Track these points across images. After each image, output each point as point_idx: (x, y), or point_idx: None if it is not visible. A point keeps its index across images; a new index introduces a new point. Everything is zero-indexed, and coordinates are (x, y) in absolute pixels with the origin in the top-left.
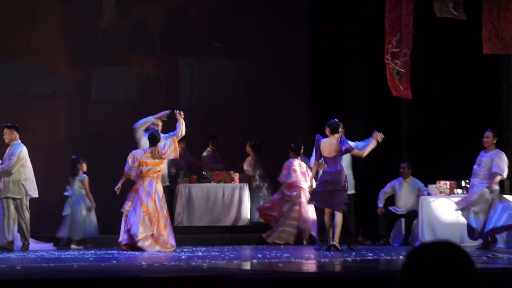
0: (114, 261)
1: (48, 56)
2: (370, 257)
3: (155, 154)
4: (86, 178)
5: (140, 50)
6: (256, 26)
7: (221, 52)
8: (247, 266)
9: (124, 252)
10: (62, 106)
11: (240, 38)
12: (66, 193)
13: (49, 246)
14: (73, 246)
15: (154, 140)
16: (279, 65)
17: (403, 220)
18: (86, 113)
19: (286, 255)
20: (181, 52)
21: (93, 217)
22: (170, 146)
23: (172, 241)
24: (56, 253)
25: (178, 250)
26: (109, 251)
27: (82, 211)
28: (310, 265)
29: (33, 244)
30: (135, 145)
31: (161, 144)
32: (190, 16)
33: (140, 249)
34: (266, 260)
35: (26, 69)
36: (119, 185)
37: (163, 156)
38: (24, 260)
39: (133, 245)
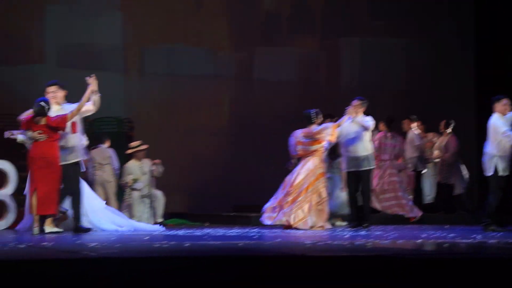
0: (279, 239)
1: (211, 38)
2: None
3: (308, 135)
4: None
5: (300, 30)
6: (419, 4)
7: (383, 31)
8: (408, 246)
9: (287, 230)
10: (225, 87)
11: (403, 16)
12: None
13: None
14: (338, 223)
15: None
16: (441, 43)
17: None
18: (248, 93)
19: (451, 235)
20: (341, 31)
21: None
22: (326, 129)
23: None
24: (221, 231)
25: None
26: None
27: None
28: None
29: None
30: (298, 125)
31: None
32: None
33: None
34: (431, 241)
35: (190, 51)
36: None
37: (315, 137)
38: (192, 237)
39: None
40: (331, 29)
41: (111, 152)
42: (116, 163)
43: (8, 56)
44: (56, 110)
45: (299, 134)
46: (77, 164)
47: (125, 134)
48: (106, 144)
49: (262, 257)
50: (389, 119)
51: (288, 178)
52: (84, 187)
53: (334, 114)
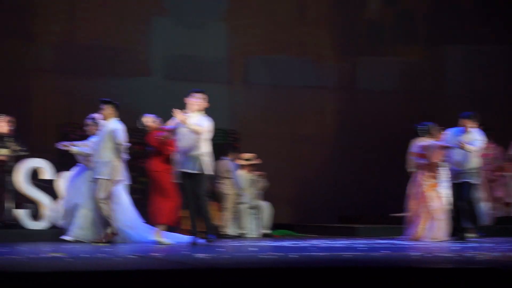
0: (385, 251)
1: (314, 48)
2: None
3: (422, 147)
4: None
5: (404, 39)
6: None
7: (487, 38)
8: None
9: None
10: (328, 97)
11: (508, 22)
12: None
13: None
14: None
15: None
16: None
17: None
18: (352, 103)
19: None
20: (445, 39)
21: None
22: (432, 148)
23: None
24: (328, 242)
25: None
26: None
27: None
28: None
29: None
30: (403, 135)
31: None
32: (456, 2)
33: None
34: None
35: (293, 62)
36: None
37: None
38: (298, 248)
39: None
40: (434, 37)
41: (232, 165)
42: (236, 176)
43: (115, 69)
44: (196, 118)
45: (417, 145)
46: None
47: (230, 145)
48: (229, 157)
49: (368, 269)
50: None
51: (415, 191)
52: (125, 198)
53: (443, 123)
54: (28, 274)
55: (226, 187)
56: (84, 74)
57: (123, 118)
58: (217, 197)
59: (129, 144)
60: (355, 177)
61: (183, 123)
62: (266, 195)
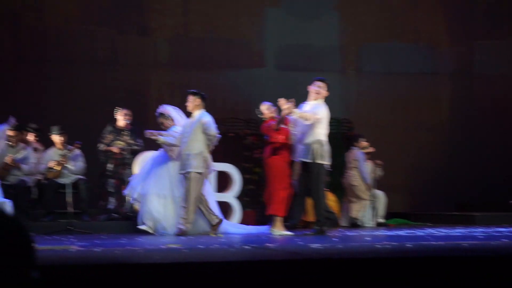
0: (506, 240)
1: (429, 34)
2: None
3: None
4: None
5: None
6: None
7: None
8: None
9: None
10: (443, 83)
11: None
12: None
13: None
14: None
15: None
16: None
17: None
18: (468, 89)
19: None
20: None
21: None
22: None
23: None
24: (444, 231)
25: None
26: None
27: None
28: None
29: None
30: None
31: None
32: None
33: None
34: None
35: (407, 48)
36: None
37: None
38: (414, 237)
39: None
40: None
41: (360, 155)
42: (364, 167)
43: (231, 61)
44: (312, 104)
45: None
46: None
47: (344, 134)
48: (359, 146)
49: (488, 258)
50: None
51: None
52: (208, 190)
53: None
54: (148, 265)
55: (353, 178)
56: (199, 67)
57: (238, 109)
58: (340, 188)
59: (220, 136)
60: (472, 164)
61: (288, 112)
62: (381, 184)
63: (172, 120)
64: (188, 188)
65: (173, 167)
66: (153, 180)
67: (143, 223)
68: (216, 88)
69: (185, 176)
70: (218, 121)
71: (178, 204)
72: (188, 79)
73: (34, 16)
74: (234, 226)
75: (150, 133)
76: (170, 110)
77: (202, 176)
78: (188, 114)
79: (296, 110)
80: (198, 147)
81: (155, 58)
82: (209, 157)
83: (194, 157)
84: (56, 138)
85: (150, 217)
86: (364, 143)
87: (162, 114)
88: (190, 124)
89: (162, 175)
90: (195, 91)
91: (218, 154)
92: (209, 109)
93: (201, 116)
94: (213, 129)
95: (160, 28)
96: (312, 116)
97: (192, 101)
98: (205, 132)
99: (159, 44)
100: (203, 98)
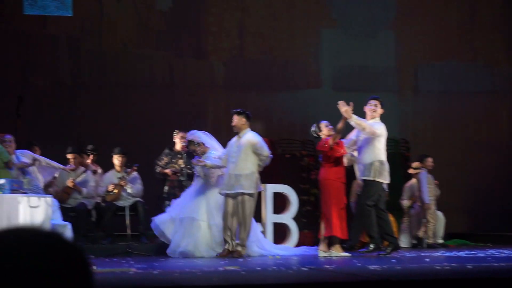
0: None
1: (486, 52)
2: None
3: None
4: None
5: None
6: None
7: None
8: None
9: None
10: (503, 102)
11: None
12: None
13: None
14: None
15: None
16: None
17: None
18: None
19: None
20: None
21: None
22: None
23: None
24: None
25: None
26: None
27: None
28: None
29: None
30: None
31: None
32: None
33: None
34: None
35: (465, 67)
36: None
37: None
38: (474, 258)
39: None
40: None
41: (423, 176)
42: (425, 187)
43: (286, 82)
44: (370, 123)
45: None
46: (373, 181)
47: (401, 154)
48: (425, 165)
49: None
50: None
51: None
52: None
53: None
54: None
55: (414, 198)
56: (255, 89)
57: (294, 130)
58: (397, 208)
59: (272, 156)
60: None
61: (347, 115)
62: (439, 204)
63: (204, 144)
64: (243, 209)
65: (211, 195)
66: (189, 205)
67: (179, 247)
68: (272, 109)
69: (229, 196)
70: (274, 142)
71: (213, 230)
72: (244, 101)
73: (93, 41)
74: (278, 248)
75: (197, 161)
76: (200, 135)
77: (254, 196)
78: (227, 135)
79: (354, 116)
80: (249, 167)
81: (211, 80)
82: (258, 177)
83: (246, 178)
84: (117, 159)
85: (189, 242)
86: (430, 162)
87: (191, 142)
88: (236, 144)
89: (199, 201)
90: (239, 110)
91: (275, 175)
92: (265, 130)
93: (250, 136)
94: (266, 149)
95: (216, 51)
96: (369, 127)
97: (238, 121)
98: (256, 152)
99: (216, 66)
100: (248, 117)
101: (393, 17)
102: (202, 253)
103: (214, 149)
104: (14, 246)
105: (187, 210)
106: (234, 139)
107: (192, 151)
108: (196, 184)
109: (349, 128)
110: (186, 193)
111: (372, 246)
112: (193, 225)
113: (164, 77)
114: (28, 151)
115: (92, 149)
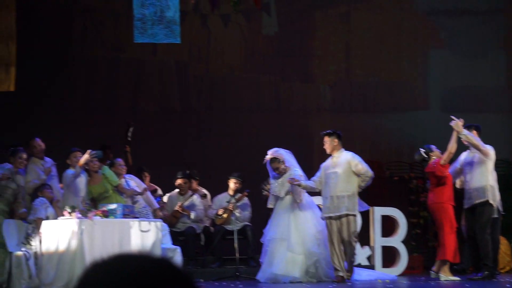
0: None
1: None
2: None
3: None
4: None
5: None
6: None
7: None
8: None
9: None
10: None
11: None
12: None
13: None
14: None
15: None
16: None
17: None
18: None
19: None
20: None
21: None
22: None
23: None
24: None
25: None
26: None
27: None
28: None
29: None
30: None
31: None
32: None
33: None
34: None
35: None
36: None
37: None
38: None
39: None
40: None
41: None
42: None
43: (394, 104)
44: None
45: None
46: (486, 204)
47: None
48: None
49: None
50: None
51: None
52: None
53: None
54: None
55: None
56: (362, 111)
57: (403, 152)
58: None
59: (373, 176)
60: None
61: (458, 129)
62: None
63: (284, 162)
64: (348, 231)
65: (300, 214)
66: (277, 226)
67: (269, 269)
68: (380, 131)
69: (333, 219)
70: (382, 164)
71: (305, 253)
72: (351, 123)
73: (201, 67)
74: (364, 271)
75: (292, 180)
76: (283, 153)
77: (356, 217)
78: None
79: (465, 130)
80: (351, 188)
81: (318, 103)
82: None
83: (349, 199)
84: (233, 183)
85: (279, 264)
86: None
87: (275, 159)
88: (333, 166)
89: (287, 221)
90: (330, 131)
91: (383, 197)
92: (372, 152)
93: (349, 156)
94: (368, 169)
95: (323, 74)
96: (481, 144)
97: (330, 143)
98: (358, 172)
99: (322, 90)
100: (339, 137)
101: (504, 36)
102: (294, 276)
103: (295, 168)
104: (127, 272)
105: (275, 232)
106: (329, 161)
107: (274, 169)
108: (280, 204)
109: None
110: (275, 214)
111: (486, 272)
112: (282, 246)
113: (271, 101)
114: (134, 177)
115: (199, 174)
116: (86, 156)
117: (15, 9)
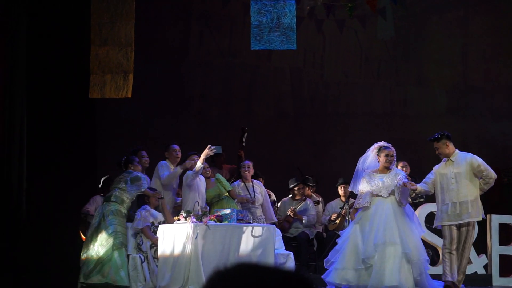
0: None
1: None
2: None
3: None
4: None
5: None
6: None
7: None
8: None
9: None
10: None
11: None
12: None
13: None
14: None
15: None
16: None
17: None
18: None
19: None
20: None
21: None
22: None
23: None
24: None
25: None
26: None
27: None
28: None
29: None
30: None
31: None
32: None
33: None
34: None
35: None
36: None
37: None
38: None
39: None
40: None
41: None
42: None
43: None
44: None
45: None
46: None
47: None
48: None
49: None
50: None
51: None
52: None
53: None
54: None
55: None
56: (478, 116)
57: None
58: None
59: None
60: None
61: None
62: None
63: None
64: (466, 239)
65: (405, 219)
66: (383, 230)
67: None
68: (496, 136)
69: (454, 226)
70: (499, 171)
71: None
72: (466, 129)
73: (315, 72)
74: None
75: (409, 183)
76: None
77: (475, 225)
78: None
79: None
80: (473, 192)
81: (433, 108)
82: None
83: (472, 205)
84: (341, 189)
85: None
86: None
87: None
88: (451, 170)
89: (392, 225)
90: (437, 135)
91: (500, 205)
92: (490, 158)
93: (469, 157)
94: (491, 170)
95: (439, 78)
96: None
97: (442, 147)
98: (480, 174)
99: (438, 94)
100: (449, 138)
101: None
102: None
103: (397, 168)
104: (251, 283)
105: (382, 235)
106: (443, 164)
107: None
108: (380, 205)
109: None
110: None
111: None
112: (393, 252)
113: (385, 106)
114: (261, 184)
115: (313, 181)
116: (206, 151)
117: (134, 17)
